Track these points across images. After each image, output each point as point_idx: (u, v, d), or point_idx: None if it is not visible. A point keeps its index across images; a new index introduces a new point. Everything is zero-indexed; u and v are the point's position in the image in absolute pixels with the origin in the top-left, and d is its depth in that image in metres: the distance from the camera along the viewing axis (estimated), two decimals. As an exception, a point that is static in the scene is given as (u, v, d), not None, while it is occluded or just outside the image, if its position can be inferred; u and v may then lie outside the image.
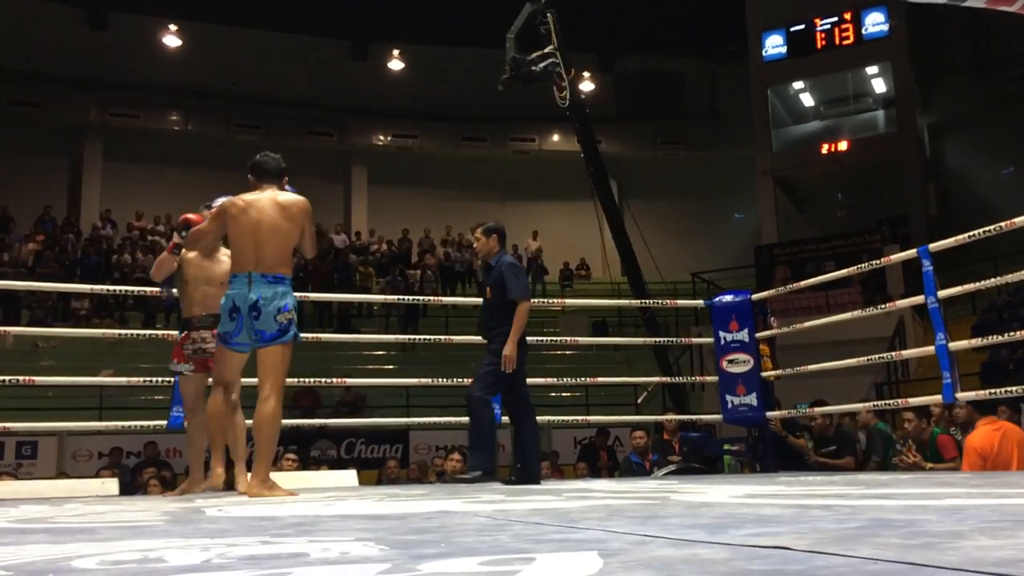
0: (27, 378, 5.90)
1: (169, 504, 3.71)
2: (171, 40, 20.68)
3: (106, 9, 20.05)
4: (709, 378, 7.67)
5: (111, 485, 5.64)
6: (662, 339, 10.16)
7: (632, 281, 10.87)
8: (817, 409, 7.01)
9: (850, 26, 18.95)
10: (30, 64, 19.11)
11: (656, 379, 11.27)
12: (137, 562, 1.44)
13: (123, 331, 8.81)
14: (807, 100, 20.78)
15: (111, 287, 9.80)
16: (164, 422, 5.56)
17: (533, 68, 7.00)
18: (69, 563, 1.44)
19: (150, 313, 14.63)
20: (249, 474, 4.17)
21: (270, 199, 4.14)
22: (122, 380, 7.20)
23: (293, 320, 4.06)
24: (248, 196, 4.18)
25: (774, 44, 19.71)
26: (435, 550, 1.50)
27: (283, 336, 4.02)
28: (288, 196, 4.19)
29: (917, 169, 18.51)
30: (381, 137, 22.37)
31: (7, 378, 5.91)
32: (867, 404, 7.28)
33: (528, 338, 8.74)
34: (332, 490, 5.10)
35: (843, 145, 19.20)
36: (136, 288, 7.11)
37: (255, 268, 4.04)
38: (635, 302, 8.95)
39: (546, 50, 7.04)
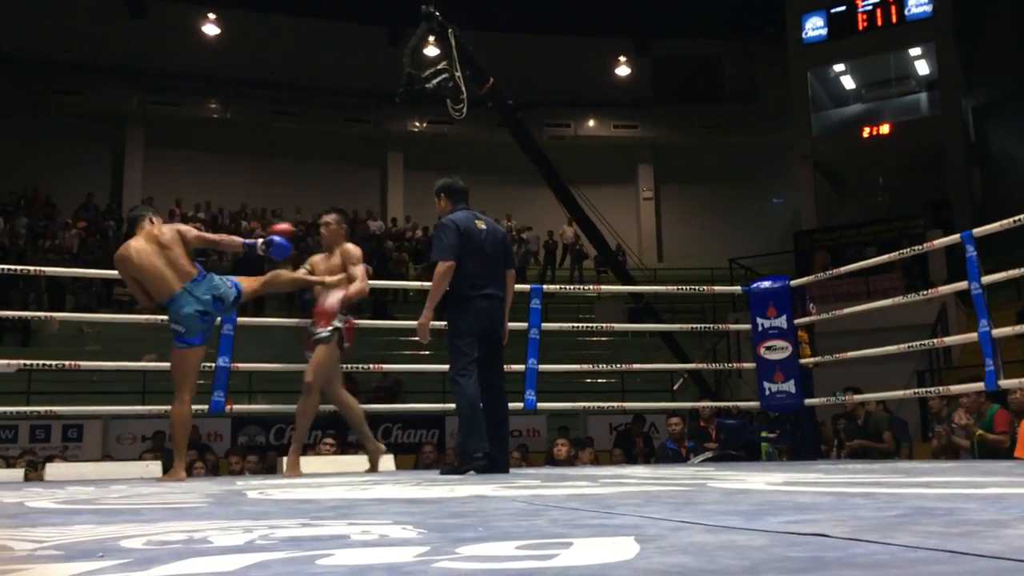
0: (72, 363, 6.03)
1: (211, 487, 3.78)
2: (210, 28, 20.88)
3: (146, -2, 20.32)
4: (747, 365, 7.61)
5: (155, 468, 5.75)
6: (697, 326, 10.13)
7: (611, 267, 10.86)
8: (857, 397, 6.95)
9: (892, 7, 18.59)
10: (72, 54, 19.40)
11: (692, 365, 11.23)
12: (183, 543, 1.47)
13: (165, 317, 8.94)
14: (848, 83, 20.43)
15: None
16: (206, 406, 5.65)
17: (427, 85, 7.04)
18: (117, 543, 1.47)
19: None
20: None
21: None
22: (164, 365, 7.29)
23: (183, 330, 4.71)
24: None
25: (814, 26, 19.40)
26: (473, 534, 1.51)
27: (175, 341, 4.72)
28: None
29: (961, 152, 18.14)
30: (416, 123, 22.41)
31: (53, 363, 6.04)
32: (908, 392, 7.19)
33: (563, 324, 8.67)
34: (369, 474, 5.16)
35: (885, 128, 18.87)
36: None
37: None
38: (669, 288, 8.90)
39: (439, 66, 7.10)
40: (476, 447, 4.49)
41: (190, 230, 4.94)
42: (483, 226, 4.80)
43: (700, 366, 11.31)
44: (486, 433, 4.54)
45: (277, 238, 5.01)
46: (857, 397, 6.98)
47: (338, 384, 5.29)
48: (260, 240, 5.03)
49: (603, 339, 15.48)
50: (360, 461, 5.83)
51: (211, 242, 5.20)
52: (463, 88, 7.10)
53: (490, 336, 4.74)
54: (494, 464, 4.56)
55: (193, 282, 4.72)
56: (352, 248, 5.37)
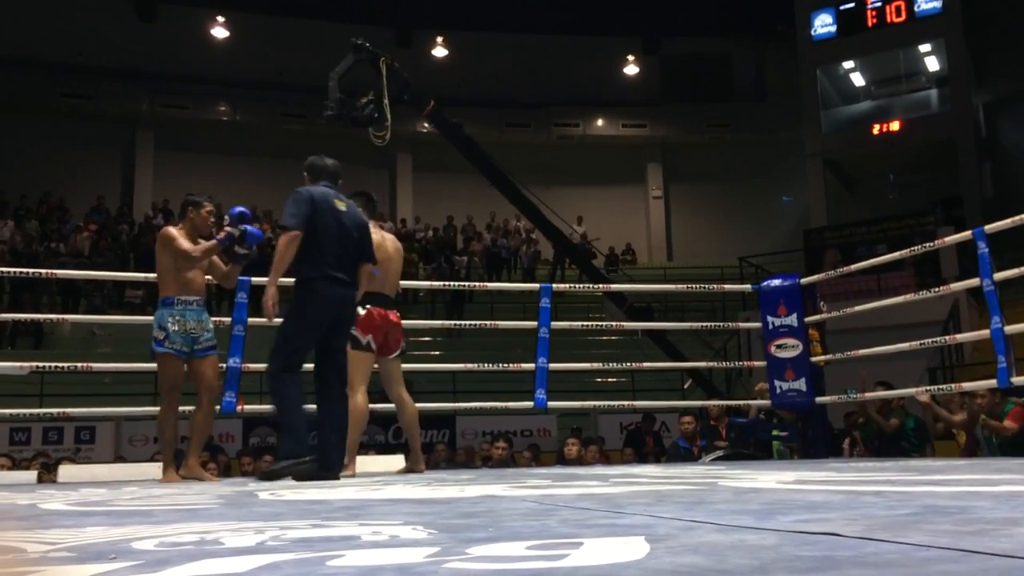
0: (84, 364, 6.05)
1: (223, 488, 3.79)
2: (218, 31, 20.96)
3: (155, 1, 20.39)
4: (758, 363, 7.60)
5: (167, 469, 5.75)
6: (708, 324, 10.11)
7: (584, 270, 10.86)
8: (869, 395, 6.91)
9: (902, 3, 18.53)
10: (82, 58, 19.51)
11: (702, 364, 11.22)
12: (194, 544, 1.47)
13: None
14: (857, 80, 20.36)
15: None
16: (217, 407, 5.67)
17: (363, 112, 7.12)
18: (129, 545, 1.48)
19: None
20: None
21: None
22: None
23: (155, 338, 4.68)
24: None
25: (823, 23, 19.35)
26: (483, 534, 1.51)
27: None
28: None
29: (972, 148, 18.06)
30: (425, 124, 22.40)
31: (66, 365, 6.07)
32: (920, 389, 7.16)
33: (573, 323, 8.59)
34: (381, 475, 5.16)
35: (895, 125, 18.80)
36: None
37: None
38: (679, 287, 8.90)
39: (370, 96, 7.22)
40: (304, 450, 4.15)
41: (171, 240, 4.69)
42: (343, 207, 4.42)
43: (711, 364, 11.30)
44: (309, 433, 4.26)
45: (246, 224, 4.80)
46: (869, 395, 6.95)
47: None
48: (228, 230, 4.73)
49: (613, 338, 15.47)
50: (370, 462, 5.84)
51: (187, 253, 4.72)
52: (388, 116, 7.20)
53: (337, 327, 4.33)
54: (326, 467, 4.20)
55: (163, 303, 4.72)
56: None
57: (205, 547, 1.43)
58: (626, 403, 9.18)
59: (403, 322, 5.20)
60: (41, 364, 6.71)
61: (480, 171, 9.30)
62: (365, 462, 6.14)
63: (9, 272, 7.30)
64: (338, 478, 4.21)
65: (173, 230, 4.78)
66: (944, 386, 7.05)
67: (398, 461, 5.98)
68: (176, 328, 4.66)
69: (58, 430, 10.73)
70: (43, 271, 7.14)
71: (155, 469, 5.63)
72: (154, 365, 4.83)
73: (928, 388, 7.21)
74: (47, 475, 6.56)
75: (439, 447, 9.58)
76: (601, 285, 10.91)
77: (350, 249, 4.35)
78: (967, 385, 6.25)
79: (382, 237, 5.07)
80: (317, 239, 4.25)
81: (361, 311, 4.77)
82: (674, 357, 10.40)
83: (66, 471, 6.03)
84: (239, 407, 5.66)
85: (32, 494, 3.62)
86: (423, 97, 8.35)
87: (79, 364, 6.03)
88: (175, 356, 4.66)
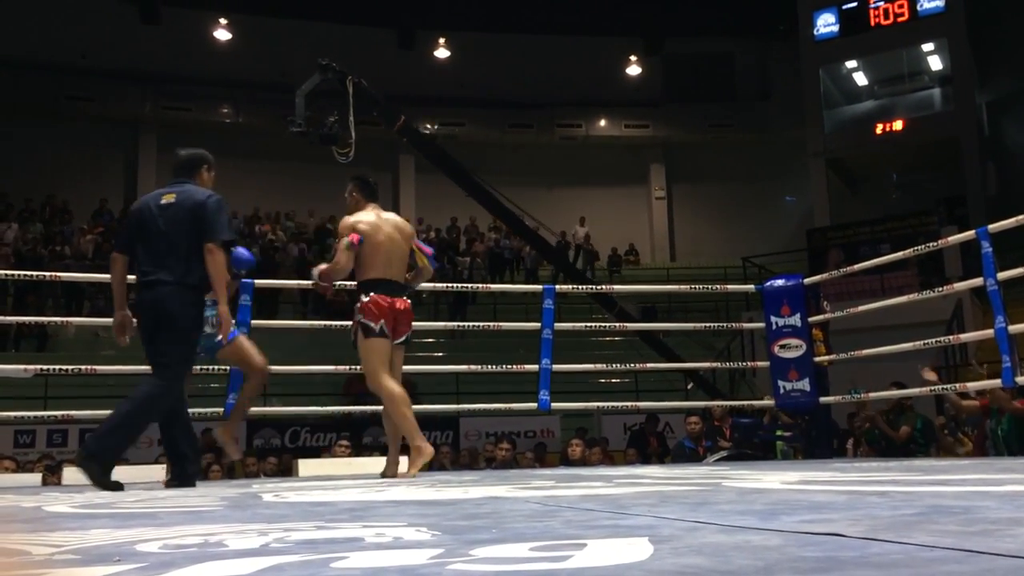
0: (89, 367, 6.06)
1: (226, 490, 3.80)
2: (221, 33, 20.99)
3: (158, 4, 20.42)
4: (761, 363, 7.59)
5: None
6: (711, 325, 10.11)
7: (566, 272, 10.88)
8: (873, 395, 6.91)
9: (905, 2, 18.50)
10: (86, 60, 19.55)
11: (707, 364, 11.21)
12: (198, 546, 1.48)
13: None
14: (860, 79, 20.34)
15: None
16: (220, 409, 5.68)
17: (330, 130, 7.19)
18: (133, 547, 1.48)
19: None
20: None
21: None
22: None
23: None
24: None
25: (826, 23, 19.33)
26: (487, 535, 1.51)
27: None
28: None
29: (975, 148, 18.02)
30: (428, 125, 22.40)
31: (70, 367, 6.08)
32: (924, 389, 7.15)
33: (576, 324, 8.62)
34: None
35: (898, 124, 18.77)
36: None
37: None
38: (682, 287, 8.90)
39: (336, 116, 7.32)
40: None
41: None
42: (170, 200, 4.02)
43: (714, 365, 11.29)
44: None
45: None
46: (873, 395, 6.95)
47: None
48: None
49: (616, 339, 15.46)
50: (374, 463, 5.84)
51: None
52: (352, 133, 7.26)
53: (154, 331, 4.01)
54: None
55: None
56: (342, 221, 4.79)
57: (209, 549, 1.43)
58: (630, 404, 9.18)
59: (407, 323, 5.00)
60: (45, 367, 6.71)
61: (455, 182, 9.36)
62: (368, 464, 6.14)
63: (13, 275, 7.31)
64: (100, 484, 3.73)
65: None
66: (948, 386, 7.03)
67: (402, 463, 5.97)
68: None
69: (62, 432, 10.75)
70: (47, 274, 7.15)
71: (159, 471, 5.63)
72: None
73: (932, 388, 7.20)
74: (52, 477, 6.57)
75: (443, 448, 9.59)
76: (594, 287, 10.92)
77: (177, 239, 3.96)
78: (972, 385, 6.25)
79: (379, 218, 4.76)
80: (137, 250, 4.07)
81: (364, 298, 4.57)
82: (667, 357, 10.39)
83: (70, 473, 6.03)
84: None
85: (37, 496, 3.63)
86: (394, 113, 8.48)
87: (83, 366, 6.03)
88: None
